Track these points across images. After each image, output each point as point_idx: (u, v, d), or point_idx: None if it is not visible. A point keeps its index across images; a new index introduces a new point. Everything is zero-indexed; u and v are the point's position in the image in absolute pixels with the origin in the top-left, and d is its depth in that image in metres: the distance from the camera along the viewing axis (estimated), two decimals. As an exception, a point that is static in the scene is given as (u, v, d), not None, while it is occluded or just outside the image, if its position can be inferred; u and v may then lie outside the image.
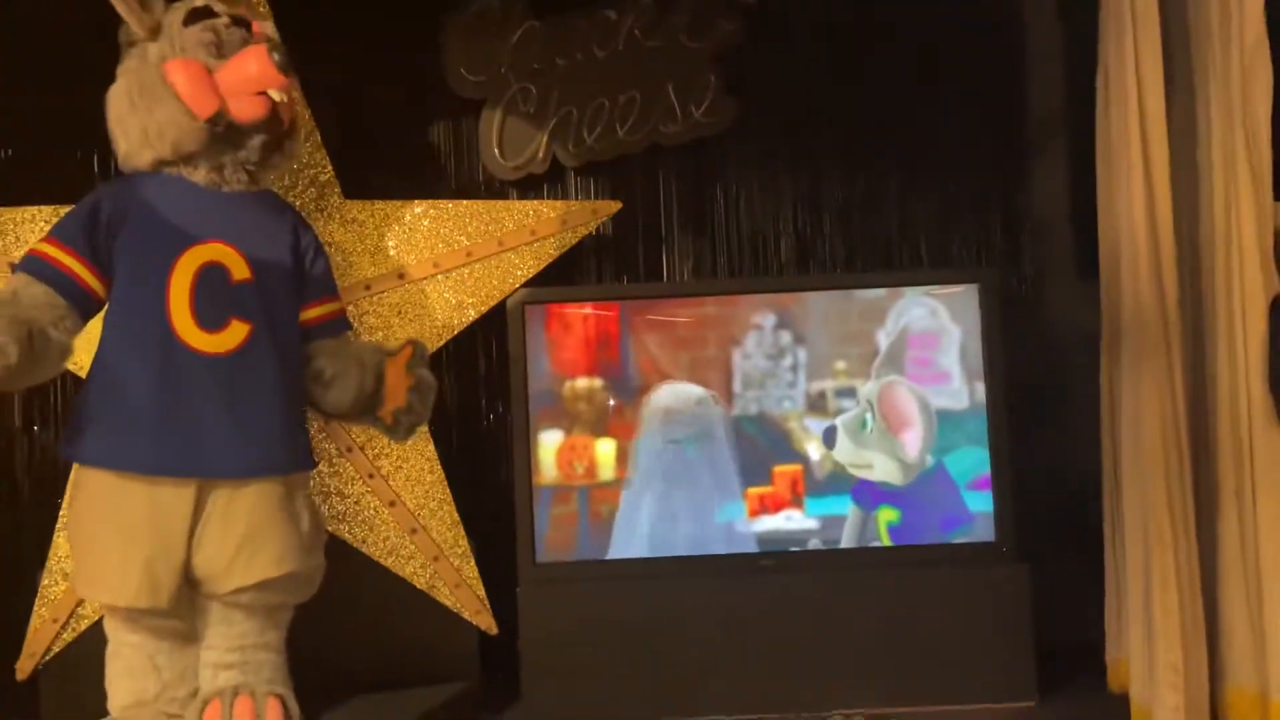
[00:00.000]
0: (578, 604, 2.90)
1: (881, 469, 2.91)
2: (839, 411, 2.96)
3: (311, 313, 2.44)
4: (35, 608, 2.83)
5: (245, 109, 2.25)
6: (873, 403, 2.88)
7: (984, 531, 2.92)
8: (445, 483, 3.00)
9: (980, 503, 2.92)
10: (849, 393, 2.97)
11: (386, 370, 2.42)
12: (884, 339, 2.97)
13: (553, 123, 3.19)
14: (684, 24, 3.23)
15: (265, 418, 2.30)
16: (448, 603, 2.98)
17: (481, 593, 2.98)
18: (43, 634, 2.84)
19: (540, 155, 3.19)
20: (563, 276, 3.13)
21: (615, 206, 3.10)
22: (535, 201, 3.11)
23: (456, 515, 3.00)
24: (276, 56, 2.20)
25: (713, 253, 3.30)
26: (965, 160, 3.27)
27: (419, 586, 2.97)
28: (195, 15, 2.28)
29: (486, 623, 2.98)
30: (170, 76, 2.22)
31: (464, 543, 2.99)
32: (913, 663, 2.81)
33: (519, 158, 3.19)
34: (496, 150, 3.18)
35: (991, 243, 3.28)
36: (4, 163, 3.09)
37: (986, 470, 2.91)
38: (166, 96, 2.22)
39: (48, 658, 2.84)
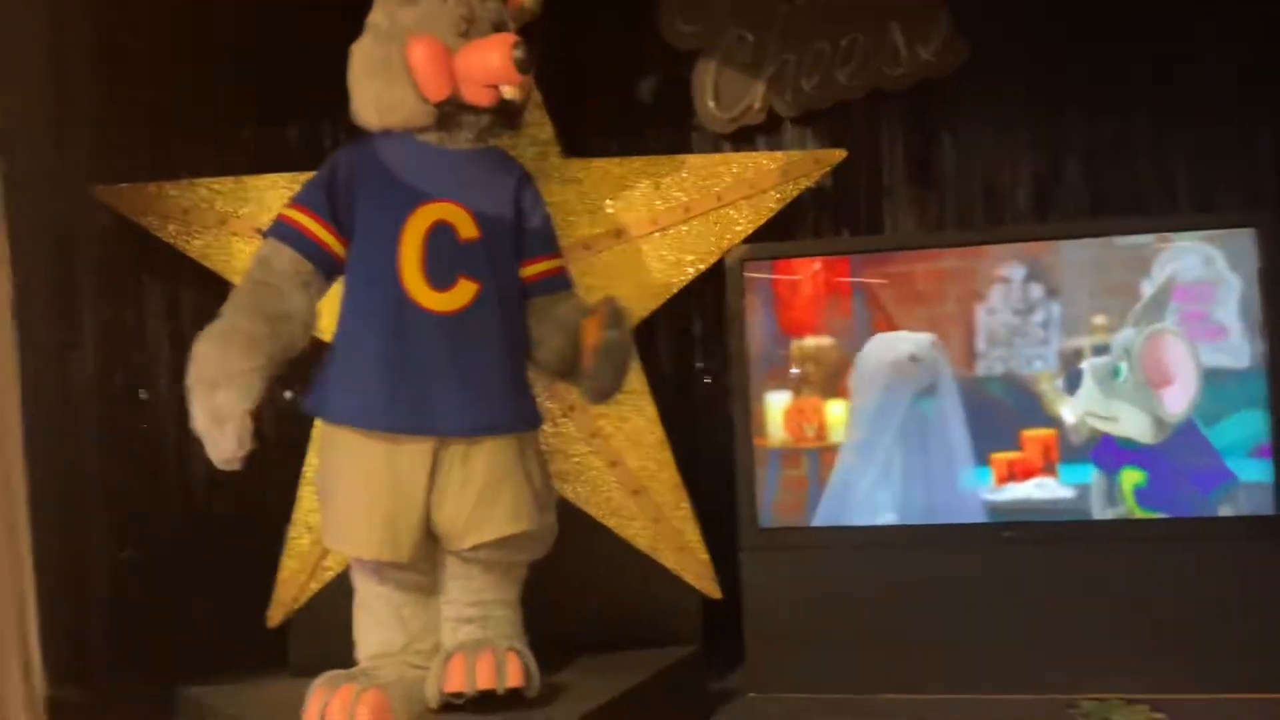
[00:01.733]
0: (803, 571, 2.50)
1: (1130, 424, 2.32)
2: (1098, 370, 2.31)
3: (530, 269, 2.18)
4: (282, 559, 2.64)
5: (477, 96, 2.04)
6: (1131, 351, 2.22)
7: (1254, 503, 2.31)
8: (666, 444, 2.62)
9: (1259, 471, 2.28)
10: (1106, 350, 2.39)
11: (583, 332, 2.09)
12: (1149, 289, 2.36)
13: (770, 71, 2.64)
14: (912, -41, 2.60)
15: (492, 377, 2.07)
16: (670, 566, 2.60)
17: (705, 556, 2.60)
18: (290, 585, 2.65)
19: (757, 106, 2.66)
20: (782, 232, 2.66)
21: (839, 155, 2.60)
22: (754, 154, 2.56)
23: (678, 477, 2.61)
24: (519, 53, 1.95)
25: (940, 203, 2.72)
26: (1228, 93, 2.59)
27: (641, 549, 2.61)
28: None
29: (709, 587, 2.59)
30: (410, 55, 2.01)
31: (686, 505, 2.61)
32: (1171, 647, 2.29)
33: (735, 109, 2.67)
34: (712, 102, 2.63)
35: (1262, 185, 2.52)
36: (249, 134, 2.87)
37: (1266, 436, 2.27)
38: (402, 75, 2.02)
39: (296, 607, 2.63)
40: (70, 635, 2.67)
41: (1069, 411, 2.37)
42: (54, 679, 2.49)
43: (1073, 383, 2.35)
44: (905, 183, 2.77)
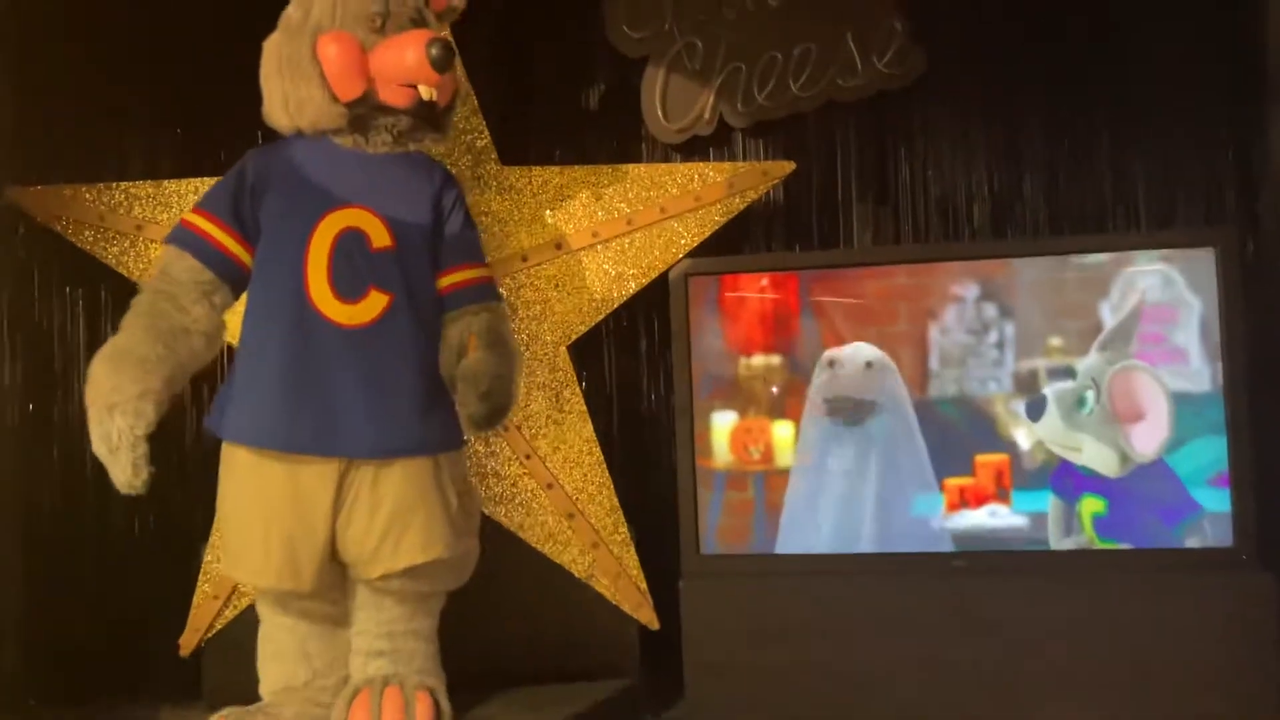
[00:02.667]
0: (746, 600, 2.33)
1: (1093, 455, 2.12)
2: (1053, 393, 2.17)
3: (447, 279, 2.02)
4: (198, 583, 2.47)
5: (393, 96, 1.90)
6: (1099, 383, 2.05)
7: (1218, 535, 2.19)
8: (604, 466, 2.48)
9: (1217, 501, 2.17)
10: (1064, 373, 2.27)
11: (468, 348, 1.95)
12: (1107, 311, 2.21)
13: (720, 80, 2.51)
14: (866, -34, 2.48)
15: (404, 394, 1.92)
16: (607, 594, 2.46)
17: (643, 585, 2.46)
18: (205, 610, 2.49)
19: (706, 115, 2.50)
20: (730, 246, 2.52)
21: (788, 167, 2.43)
22: (700, 164, 2.41)
23: (616, 501, 2.47)
24: (434, 51, 1.81)
25: (896, 218, 2.59)
26: (1190, 107, 2.44)
27: (577, 575, 2.47)
28: None
29: (647, 617, 2.45)
30: (320, 52, 1.87)
31: (624, 530, 2.47)
32: (1129, 681, 2.15)
33: (684, 119, 2.53)
34: (660, 111, 2.50)
35: (1223, 202, 2.41)
36: (177, 136, 2.72)
37: (1225, 465, 2.15)
38: (312, 73, 1.88)
39: (210, 634, 2.48)
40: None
41: (1024, 436, 2.22)
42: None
43: (1036, 410, 2.19)
44: (861, 197, 2.62)
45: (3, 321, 2.66)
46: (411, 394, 1.91)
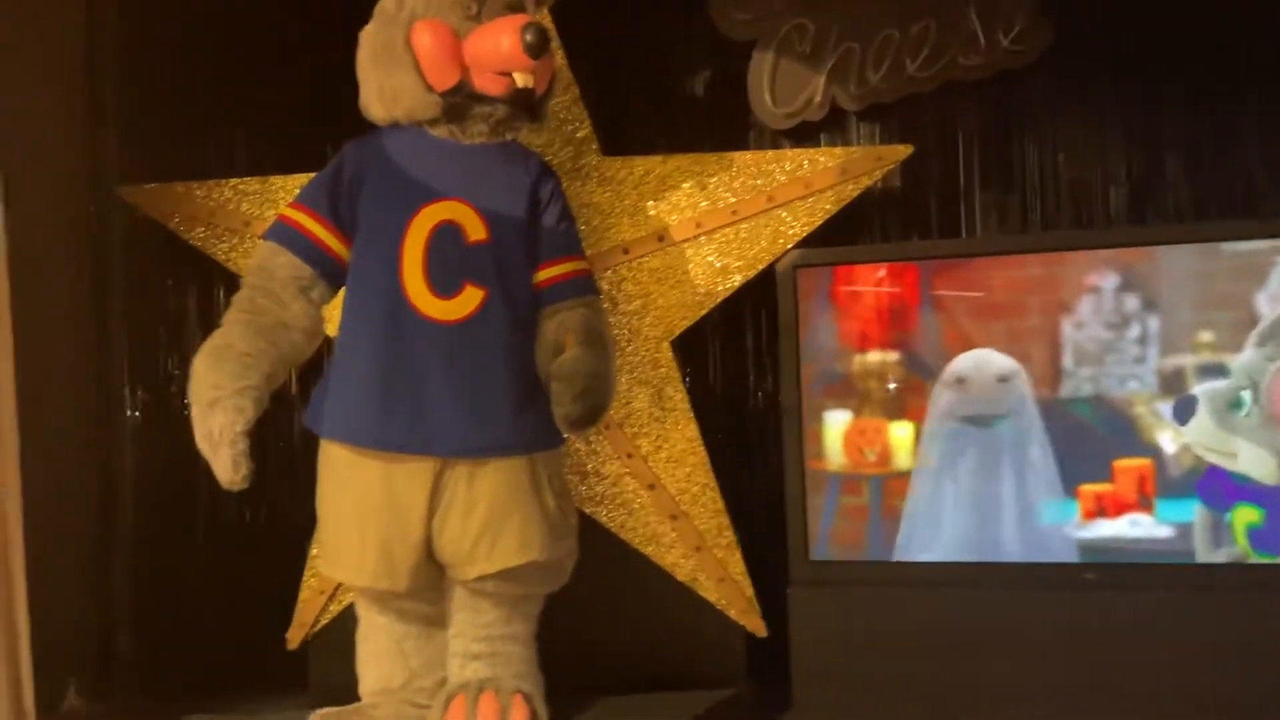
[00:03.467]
0: (859, 609, 2.22)
1: (1249, 461, 1.88)
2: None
3: (545, 274, 1.95)
4: (304, 578, 2.46)
5: (488, 84, 1.83)
6: (1257, 382, 1.83)
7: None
8: (709, 466, 2.36)
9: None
10: (1216, 371, 2.05)
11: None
12: (1264, 302, 2.01)
13: (832, 62, 2.36)
14: (991, -64, 2.32)
15: (499, 392, 1.86)
16: (712, 598, 2.33)
17: (749, 590, 2.33)
18: (311, 605, 2.47)
19: (817, 99, 2.36)
20: (842, 236, 2.33)
21: (904, 151, 2.30)
22: (810, 150, 2.26)
23: (721, 503, 2.35)
24: (529, 36, 1.74)
25: (1023, 204, 2.39)
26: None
27: (680, 579, 2.35)
28: None
29: (754, 624, 2.34)
30: (414, 40, 1.81)
31: (729, 534, 2.35)
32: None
33: (793, 103, 2.39)
34: (768, 96, 2.39)
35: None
36: (282, 132, 2.70)
37: None
38: (406, 62, 1.82)
39: (316, 628, 2.47)
40: (98, 650, 2.61)
41: (1169, 440, 2.02)
42: (82, 694, 2.40)
43: (1184, 412, 1.98)
44: (984, 182, 2.43)
45: (117, 317, 2.68)
46: (506, 391, 1.84)
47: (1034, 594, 2.09)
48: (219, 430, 1.73)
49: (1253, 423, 2.00)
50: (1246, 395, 1.97)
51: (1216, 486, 2.05)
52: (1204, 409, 2.01)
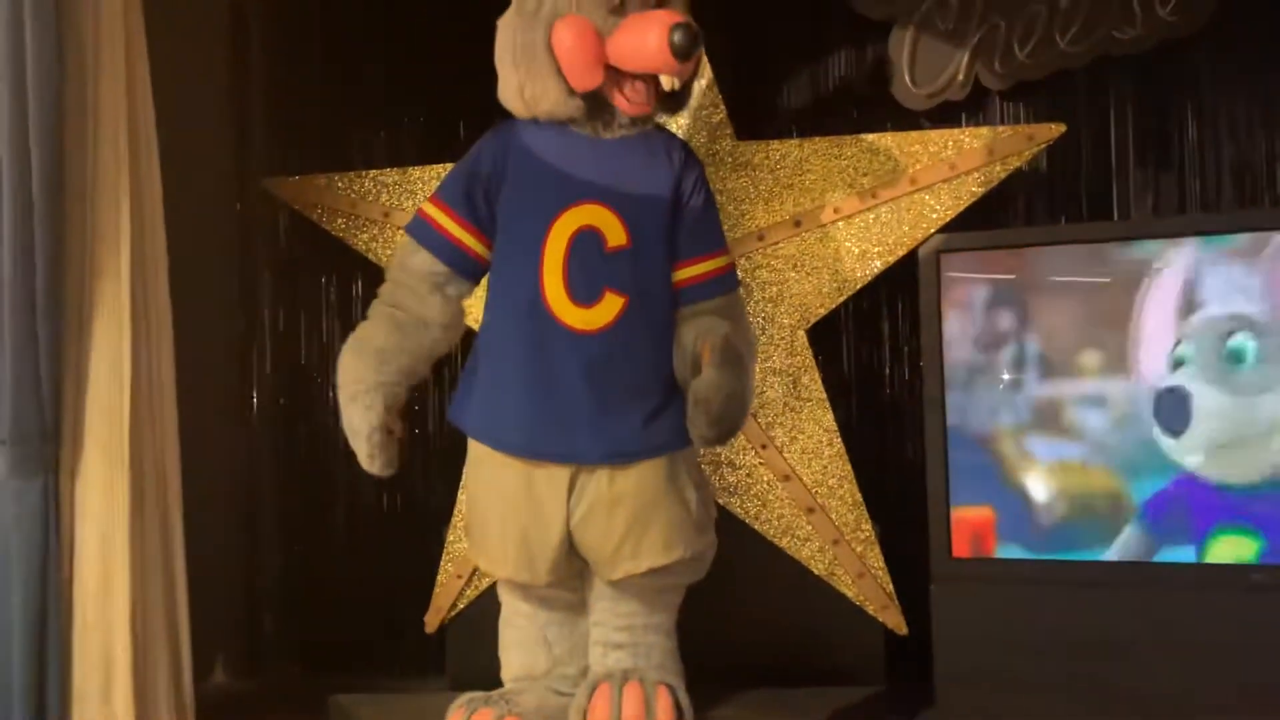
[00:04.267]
0: (1004, 608, 2.13)
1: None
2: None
3: (685, 273, 1.90)
4: (441, 563, 2.49)
5: (624, 104, 1.83)
6: (1251, 317, 1.66)
7: None
8: (846, 457, 2.31)
9: None
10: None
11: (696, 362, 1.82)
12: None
13: (976, 38, 2.25)
14: (1149, -101, 2.18)
15: (638, 401, 1.84)
16: (849, 593, 2.29)
17: (889, 586, 2.27)
18: (448, 589, 2.50)
19: (960, 78, 2.26)
20: (988, 219, 2.15)
21: (1057, 130, 2.18)
22: (955, 130, 2.16)
23: (859, 495, 2.30)
24: (678, 38, 1.68)
25: (1180, 186, 2.24)
26: None
27: (817, 572, 2.31)
28: None
29: (894, 620, 2.27)
30: (555, 41, 1.77)
31: (867, 527, 2.30)
32: None
33: (934, 83, 2.29)
34: (908, 76, 2.29)
35: None
36: (420, 122, 2.75)
37: None
38: (546, 64, 1.78)
39: (453, 613, 2.50)
40: (245, 627, 2.71)
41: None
42: (229, 670, 2.47)
43: (1175, 413, 1.88)
44: (1139, 163, 2.30)
45: (263, 307, 2.76)
46: (645, 399, 1.84)
47: (1188, 595, 1.95)
48: (356, 422, 1.78)
49: (1267, 375, 1.71)
50: (1247, 341, 1.70)
51: (1180, 500, 1.86)
52: (1197, 387, 1.75)
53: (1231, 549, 1.94)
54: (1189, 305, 1.95)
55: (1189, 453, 1.95)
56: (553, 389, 1.80)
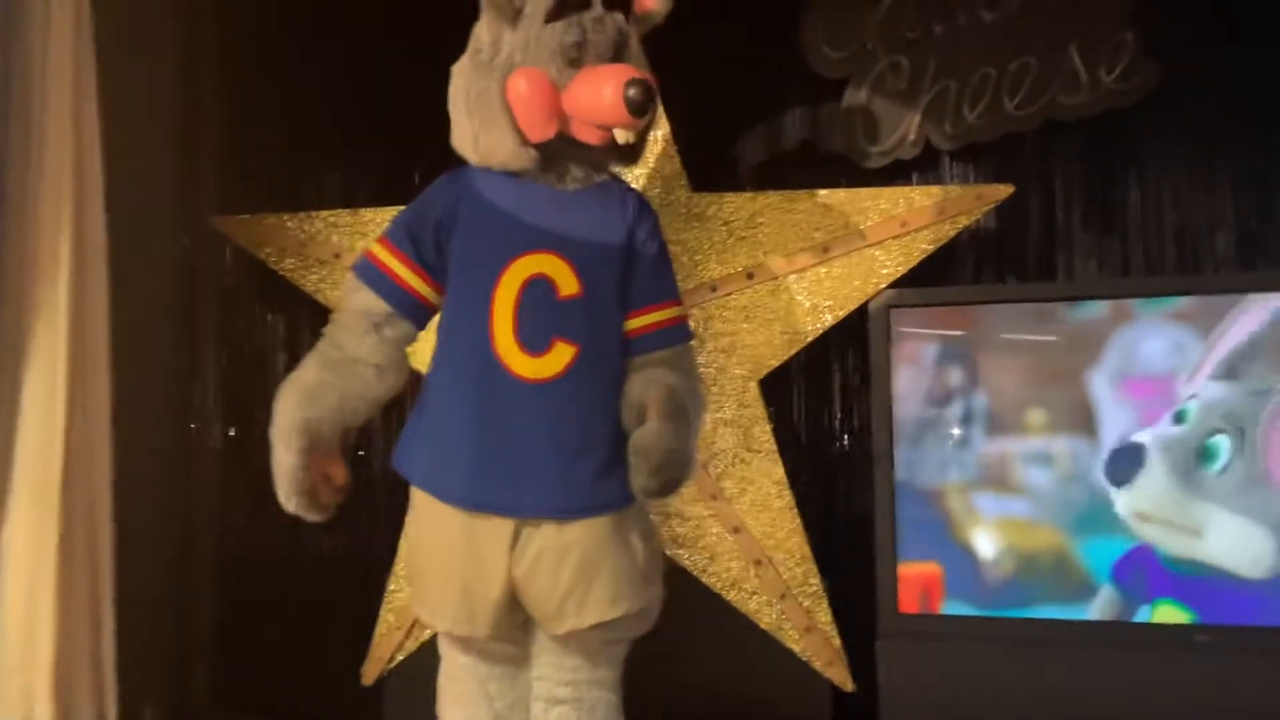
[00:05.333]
0: (953, 667, 2.13)
1: (1222, 542, 1.84)
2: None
3: (636, 322, 1.87)
4: (381, 613, 2.45)
5: (587, 135, 1.76)
6: (1242, 426, 1.62)
7: None
8: (795, 510, 2.31)
9: None
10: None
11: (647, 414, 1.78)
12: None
13: (927, 99, 2.31)
14: (1094, -27, 2.25)
15: (589, 453, 1.79)
16: (796, 648, 2.27)
17: (836, 641, 2.22)
18: (388, 640, 2.46)
19: (911, 137, 2.30)
20: (936, 278, 2.21)
21: (1006, 191, 2.23)
22: (906, 189, 2.18)
23: (808, 549, 2.30)
24: (633, 93, 1.66)
25: (1124, 248, 2.30)
26: None
27: (764, 626, 2.30)
28: (563, 7, 1.75)
29: (840, 676, 2.25)
30: (510, 93, 1.74)
31: (815, 581, 2.29)
32: None
33: (886, 141, 2.31)
34: (860, 134, 2.29)
35: None
36: (372, 164, 2.72)
37: None
38: (501, 116, 1.75)
39: (392, 665, 2.45)
40: (176, 673, 2.63)
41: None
42: (158, 717, 2.40)
43: (1125, 466, 1.91)
44: (1084, 225, 2.35)
45: (208, 345, 2.72)
46: (597, 451, 1.79)
47: (1142, 656, 1.96)
48: (277, 459, 1.75)
49: (1232, 483, 1.71)
50: (1223, 443, 1.70)
51: (1142, 570, 1.86)
52: (1157, 462, 1.76)
53: (1171, 616, 1.94)
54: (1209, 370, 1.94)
55: (1127, 507, 1.95)
56: (500, 439, 1.77)
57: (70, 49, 1.90)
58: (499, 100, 1.75)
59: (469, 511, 1.77)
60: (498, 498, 1.75)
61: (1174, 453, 1.78)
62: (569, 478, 1.75)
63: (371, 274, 1.84)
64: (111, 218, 2.03)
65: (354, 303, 1.83)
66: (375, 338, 1.80)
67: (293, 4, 2.64)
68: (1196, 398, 1.88)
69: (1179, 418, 1.89)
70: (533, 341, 1.76)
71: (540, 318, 1.77)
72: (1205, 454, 1.80)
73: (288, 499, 1.76)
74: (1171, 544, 1.88)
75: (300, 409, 1.73)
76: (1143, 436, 1.87)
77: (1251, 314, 1.86)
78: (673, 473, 1.73)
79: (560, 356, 1.76)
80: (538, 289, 1.78)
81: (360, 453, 2.57)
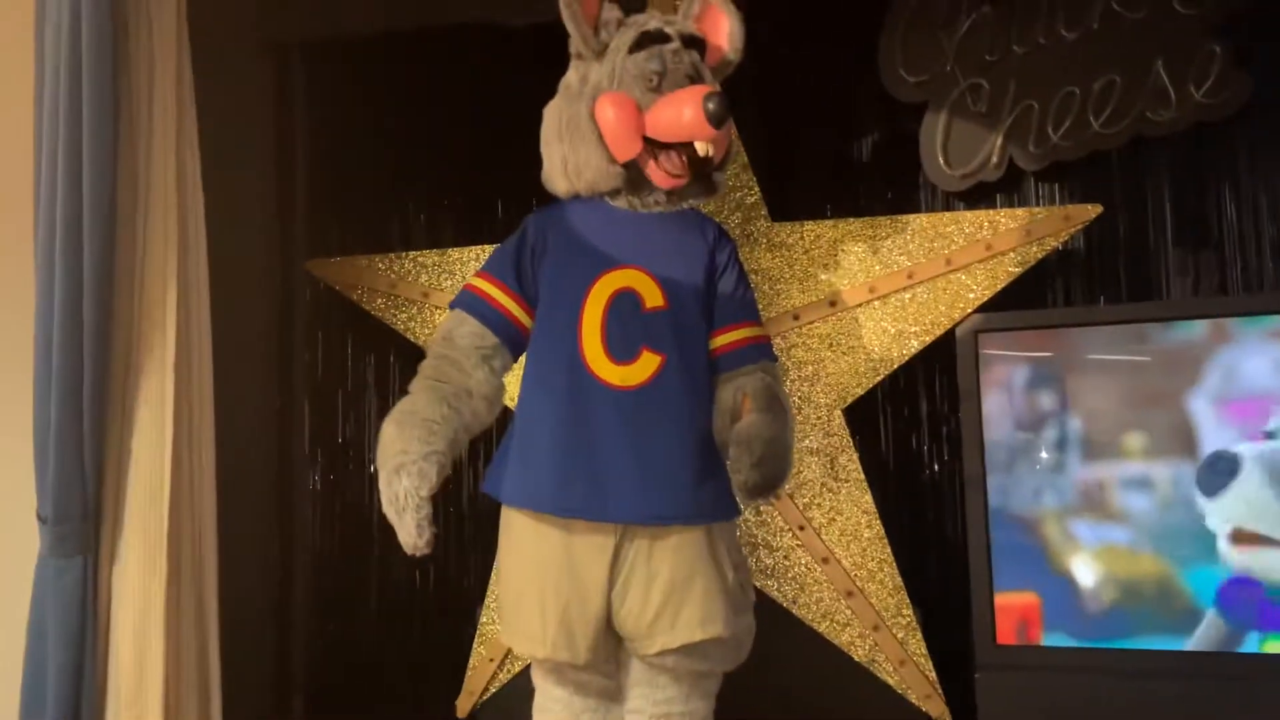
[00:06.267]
0: (1053, 699, 2.08)
1: None
2: None
3: (721, 339, 1.91)
4: (474, 645, 2.48)
5: (660, 178, 1.87)
6: None
7: None
8: (885, 540, 2.27)
9: None
10: None
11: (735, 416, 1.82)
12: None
13: (1009, 121, 2.27)
14: (1177, -14, 2.21)
15: (677, 459, 1.81)
16: (891, 681, 2.23)
17: (932, 674, 2.17)
18: (481, 672, 2.48)
19: (994, 159, 2.27)
20: (1024, 301, 2.15)
21: (1094, 211, 2.18)
22: (990, 211, 2.16)
23: (899, 579, 2.27)
24: (711, 105, 1.74)
25: (1220, 265, 2.20)
26: None
27: (857, 659, 2.27)
28: (645, 40, 1.85)
29: (938, 710, 2.22)
30: (598, 114, 1.83)
31: (908, 612, 2.26)
32: None
33: (968, 164, 2.30)
34: (941, 158, 2.30)
35: None
36: (459, 205, 2.79)
37: None
38: (590, 135, 1.84)
39: (485, 697, 2.48)
40: (274, 709, 2.67)
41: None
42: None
43: (1217, 475, 1.81)
44: (1178, 243, 2.29)
45: (303, 386, 2.79)
46: (684, 459, 1.80)
47: (1244, 685, 1.88)
48: (404, 495, 1.75)
49: None
50: None
51: (1247, 599, 1.79)
52: (1254, 471, 1.70)
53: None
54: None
55: (1221, 521, 1.88)
56: (591, 445, 1.79)
57: (173, 102, 1.99)
58: (588, 120, 1.84)
59: (566, 525, 1.79)
60: (588, 505, 1.77)
61: (1269, 461, 1.72)
62: (658, 483, 1.78)
63: (478, 306, 1.90)
64: (212, 263, 2.11)
65: (460, 336, 1.87)
66: (485, 370, 1.85)
67: (379, 52, 2.73)
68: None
69: (1272, 435, 1.83)
70: (620, 350, 1.80)
71: (627, 328, 1.81)
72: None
73: (419, 533, 1.75)
74: (1268, 568, 1.81)
75: (423, 443, 1.77)
76: (1238, 448, 1.81)
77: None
78: (774, 465, 1.76)
79: (648, 365, 1.80)
80: (625, 301, 1.83)
81: (450, 485, 2.61)
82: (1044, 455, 2.08)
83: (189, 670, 1.98)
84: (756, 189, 2.35)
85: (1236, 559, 1.86)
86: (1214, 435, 1.95)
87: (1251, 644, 1.89)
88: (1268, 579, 1.85)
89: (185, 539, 2.00)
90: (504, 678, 2.43)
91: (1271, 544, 1.84)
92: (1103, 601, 2.03)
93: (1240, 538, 1.85)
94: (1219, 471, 1.86)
